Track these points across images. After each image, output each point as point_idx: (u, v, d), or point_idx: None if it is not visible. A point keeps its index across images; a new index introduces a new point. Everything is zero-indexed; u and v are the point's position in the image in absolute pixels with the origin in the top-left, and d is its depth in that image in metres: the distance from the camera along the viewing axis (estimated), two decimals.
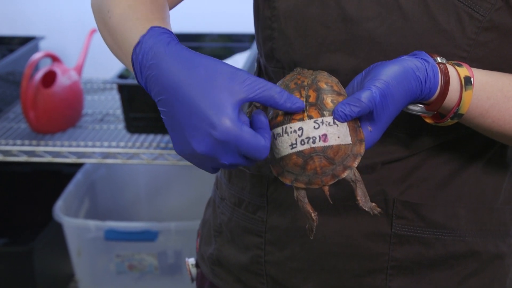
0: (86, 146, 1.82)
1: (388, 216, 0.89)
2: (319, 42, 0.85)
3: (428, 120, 0.82)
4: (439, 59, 0.78)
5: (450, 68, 0.79)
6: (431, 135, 0.88)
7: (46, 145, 1.81)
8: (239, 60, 1.91)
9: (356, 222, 0.90)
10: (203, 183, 2.20)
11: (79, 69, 1.96)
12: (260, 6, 0.92)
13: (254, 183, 0.96)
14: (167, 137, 1.84)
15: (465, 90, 0.79)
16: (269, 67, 0.93)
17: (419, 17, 0.82)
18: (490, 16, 0.81)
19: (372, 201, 0.88)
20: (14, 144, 1.82)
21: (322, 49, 0.85)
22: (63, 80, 1.87)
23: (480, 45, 0.82)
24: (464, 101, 0.79)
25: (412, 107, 0.80)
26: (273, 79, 0.93)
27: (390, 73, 0.74)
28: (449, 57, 0.81)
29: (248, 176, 0.96)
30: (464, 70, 0.79)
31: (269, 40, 0.90)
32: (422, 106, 0.79)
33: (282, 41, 0.88)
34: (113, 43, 0.82)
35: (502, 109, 0.82)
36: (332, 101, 0.73)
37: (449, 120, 0.80)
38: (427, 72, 0.76)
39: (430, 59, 0.77)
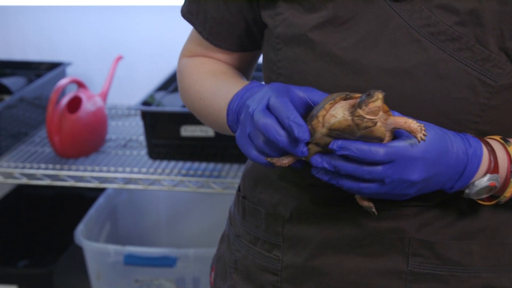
0: (108, 171, 1.84)
1: (404, 254, 0.90)
2: None
3: (485, 202, 0.85)
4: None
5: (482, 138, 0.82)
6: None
7: (70, 170, 1.84)
8: None
9: (372, 260, 0.90)
10: (223, 211, 2.19)
11: (104, 96, 1.99)
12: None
13: (269, 222, 0.96)
14: (188, 164, 1.86)
15: (509, 146, 0.82)
16: None
17: (430, 86, 0.82)
18: (502, 81, 0.82)
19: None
20: (39, 168, 1.85)
21: None
22: (88, 106, 1.90)
23: (492, 108, 0.83)
24: None
25: (478, 181, 0.81)
26: None
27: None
28: (461, 123, 0.83)
29: (264, 215, 0.97)
30: (494, 137, 0.83)
31: None
32: (488, 174, 0.81)
33: None
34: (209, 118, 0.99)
35: None
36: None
37: (511, 180, 0.82)
38: (469, 143, 0.81)
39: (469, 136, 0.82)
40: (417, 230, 0.89)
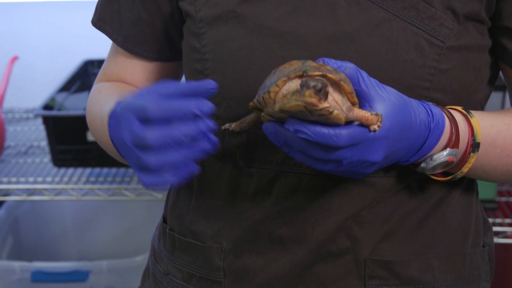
0: (9, 182, 1.70)
1: (360, 277, 0.83)
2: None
3: (439, 178, 0.80)
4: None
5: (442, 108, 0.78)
6: (396, 175, 0.83)
7: None
8: None
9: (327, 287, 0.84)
10: (134, 217, 2.11)
11: (0, 99, 1.84)
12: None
13: (207, 256, 0.87)
14: (97, 171, 1.75)
15: (471, 118, 0.78)
16: None
17: (375, 49, 0.77)
18: (449, 42, 0.78)
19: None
20: None
21: None
22: None
23: (442, 73, 0.79)
24: (475, 127, 0.77)
25: (437, 156, 0.76)
26: None
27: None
28: (412, 89, 0.77)
29: (200, 248, 0.88)
30: (456, 107, 0.79)
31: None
32: (448, 149, 0.76)
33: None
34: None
35: (507, 136, 0.80)
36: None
37: (471, 155, 0.77)
38: (432, 115, 0.75)
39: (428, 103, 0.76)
40: (372, 249, 0.83)
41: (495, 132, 0.80)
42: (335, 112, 0.65)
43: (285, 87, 0.68)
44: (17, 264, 1.78)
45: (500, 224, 1.60)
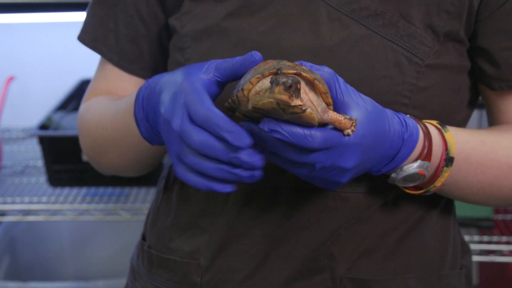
0: (5, 203, 1.70)
1: None
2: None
3: (411, 191, 0.79)
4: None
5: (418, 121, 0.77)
6: (373, 192, 0.83)
7: None
8: None
9: None
10: (130, 236, 2.10)
11: None
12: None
13: (185, 272, 0.87)
14: (92, 190, 1.75)
15: (445, 132, 0.78)
16: None
17: (355, 64, 0.78)
18: (429, 60, 0.79)
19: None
20: None
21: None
22: None
23: (421, 90, 0.80)
24: (449, 141, 0.77)
25: (407, 167, 0.76)
26: None
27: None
28: (390, 105, 0.77)
29: (178, 264, 0.88)
30: (431, 121, 0.79)
31: None
32: (419, 160, 0.76)
33: None
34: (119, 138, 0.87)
35: (481, 153, 0.80)
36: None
37: (444, 169, 0.77)
38: (406, 126, 0.75)
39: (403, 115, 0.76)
40: (349, 268, 0.83)
41: (469, 148, 0.80)
42: (308, 110, 0.65)
43: (258, 85, 0.67)
44: (12, 285, 1.77)
45: (497, 243, 1.59)
